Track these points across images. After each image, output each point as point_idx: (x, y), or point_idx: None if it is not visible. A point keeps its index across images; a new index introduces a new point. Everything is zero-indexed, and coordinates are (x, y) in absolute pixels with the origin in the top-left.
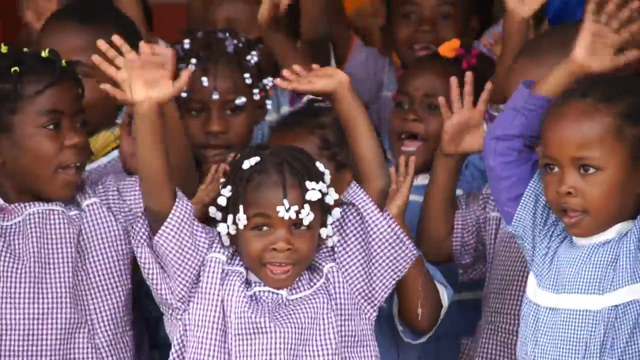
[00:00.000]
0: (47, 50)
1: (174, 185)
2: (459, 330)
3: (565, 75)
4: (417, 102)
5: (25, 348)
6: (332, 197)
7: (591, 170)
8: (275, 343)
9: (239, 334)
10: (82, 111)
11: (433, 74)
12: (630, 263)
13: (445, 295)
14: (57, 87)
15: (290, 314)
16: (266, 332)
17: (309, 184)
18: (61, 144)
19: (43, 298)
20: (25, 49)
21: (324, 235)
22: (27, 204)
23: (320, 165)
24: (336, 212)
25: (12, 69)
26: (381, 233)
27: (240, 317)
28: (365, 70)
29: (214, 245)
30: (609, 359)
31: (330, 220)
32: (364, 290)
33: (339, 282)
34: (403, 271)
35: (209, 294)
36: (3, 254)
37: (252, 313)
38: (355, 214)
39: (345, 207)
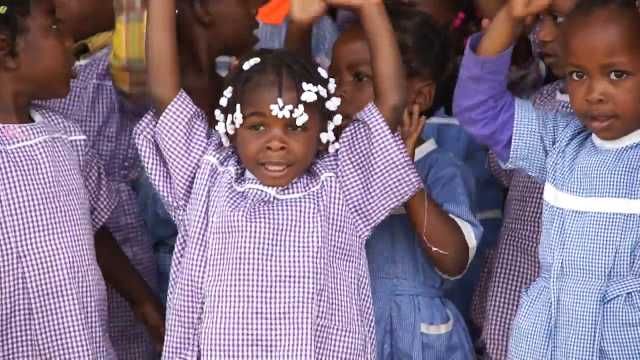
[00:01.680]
0: None
1: (179, 77)
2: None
3: (505, 27)
4: None
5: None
6: (333, 104)
7: (623, 76)
8: (246, 241)
9: (216, 232)
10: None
11: None
12: None
13: (472, 235)
14: None
15: (270, 213)
16: (239, 230)
17: (305, 86)
18: (65, 45)
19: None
20: None
21: (324, 140)
22: (25, 126)
23: (322, 72)
24: (337, 118)
25: None
26: (388, 153)
27: (220, 216)
28: None
29: (210, 148)
30: (639, 262)
31: (331, 126)
32: (359, 206)
33: (333, 191)
34: (404, 197)
35: (197, 194)
36: (19, 180)
37: (231, 211)
38: (365, 132)
39: (357, 123)
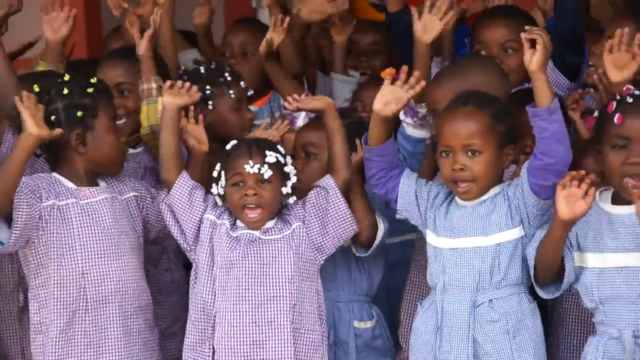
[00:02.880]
0: (95, 78)
1: (181, 166)
2: (406, 262)
3: (378, 124)
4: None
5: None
6: (290, 169)
7: (477, 153)
8: (242, 273)
9: (220, 267)
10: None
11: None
12: (503, 216)
13: (382, 225)
14: (112, 101)
15: (257, 252)
16: (237, 265)
17: (267, 152)
18: (120, 139)
19: (122, 257)
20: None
21: (284, 192)
22: (92, 188)
23: (281, 149)
24: (293, 178)
25: (90, 89)
26: (340, 209)
27: (222, 256)
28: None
29: (208, 208)
30: (496, 279)
31: (289, 183)
32: (318, 244)
33: (302, 235)
34: (349, 236)
35: (203, 241)
36: (88, 222)
37: (229, 251)
38: (324, 195)
39: (319, 188)
